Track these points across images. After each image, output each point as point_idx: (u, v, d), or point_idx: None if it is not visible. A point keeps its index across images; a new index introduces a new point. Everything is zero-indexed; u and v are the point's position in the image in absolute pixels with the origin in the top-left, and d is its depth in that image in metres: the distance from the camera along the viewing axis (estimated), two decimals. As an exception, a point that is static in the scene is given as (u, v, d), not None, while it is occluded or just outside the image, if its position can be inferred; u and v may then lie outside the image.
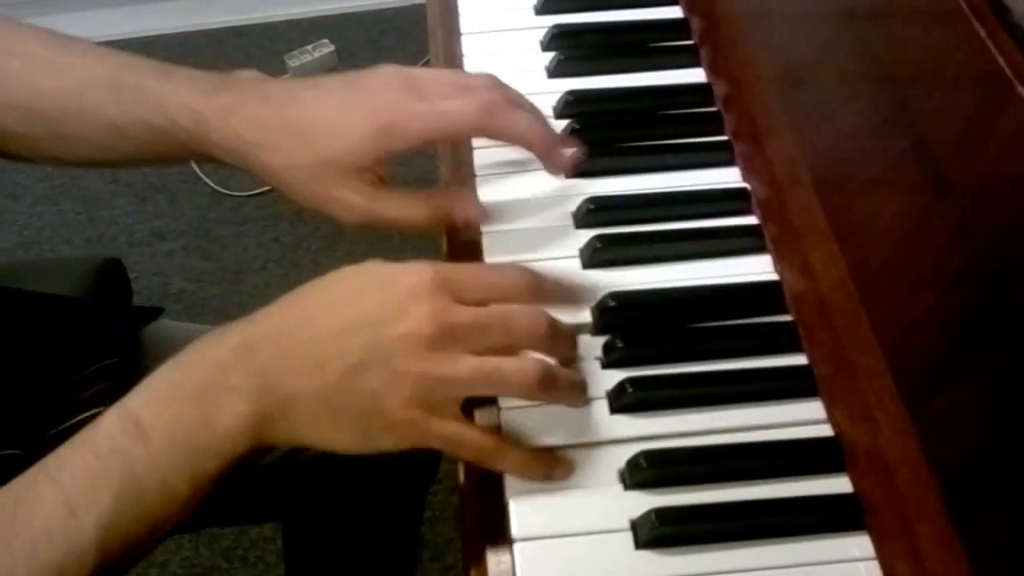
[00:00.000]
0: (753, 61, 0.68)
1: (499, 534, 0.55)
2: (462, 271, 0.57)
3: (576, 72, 0.76)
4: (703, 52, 0.77)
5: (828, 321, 0.59)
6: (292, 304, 0.56)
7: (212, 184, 1.95)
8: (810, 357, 0.60)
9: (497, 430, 0.58)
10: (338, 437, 0.53)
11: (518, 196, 0.69)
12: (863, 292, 0.54)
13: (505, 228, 0.67)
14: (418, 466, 0.97)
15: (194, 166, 1.97)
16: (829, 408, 0.58)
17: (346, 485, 0.94)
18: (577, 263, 0.66)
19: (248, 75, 0.68)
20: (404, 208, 0.64)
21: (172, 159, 0.70)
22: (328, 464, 0.91)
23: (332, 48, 2.12)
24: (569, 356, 0.59)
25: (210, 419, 0.52)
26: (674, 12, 0.81)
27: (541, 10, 0.81)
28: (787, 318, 0.62)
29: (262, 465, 0.89)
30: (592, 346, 0.61)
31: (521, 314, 0.54)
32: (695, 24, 0.79)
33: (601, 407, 0.59)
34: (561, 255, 0.66)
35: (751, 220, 0.67)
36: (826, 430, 0.58)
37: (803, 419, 0.59)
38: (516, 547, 0.54)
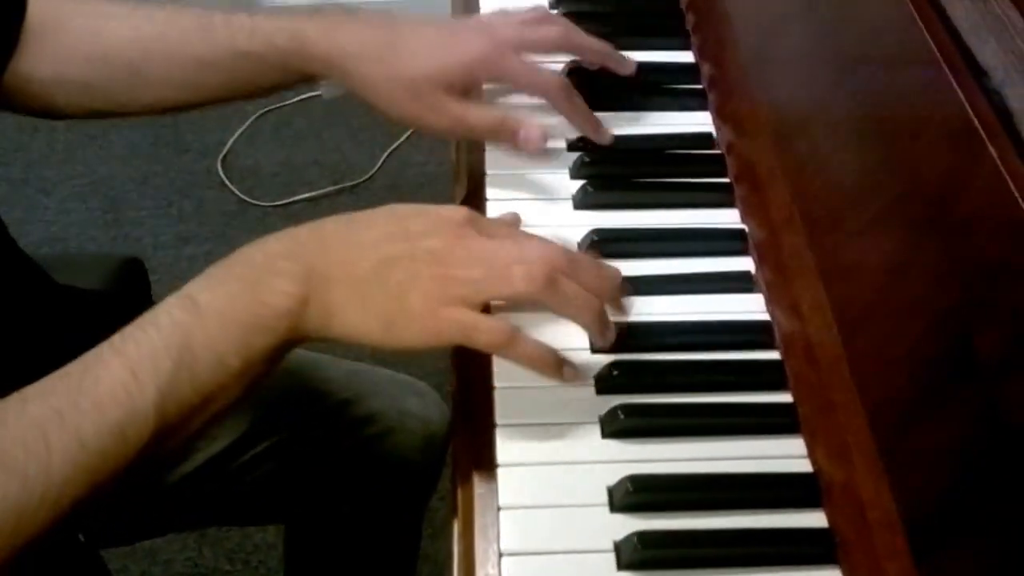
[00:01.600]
0: (755, 109, 0.71)
1: (489, 547, 0.58)
2: (494, 221, 0.64)
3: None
4: (711, 97, 0.80)
5: (813, 362, 0.62)
6: (340, 218, 0.62)
7: (238, 193, 1.99)
8: (795, 395, 0.63)
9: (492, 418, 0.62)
10: (365, 323, 0.58)
11: (525, 224, 0.71)
12: (844, 334, 0.57)
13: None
14: (419, 475, 1.00)
15: (221, 173, 2.01)
16: (810, 445, 0.61)
17: (348, 492, 0.97)
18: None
19: (340, 7, 0.77)
20: (484, 118, 0.75)
21: (259, 86, 0.79)
22: (331, 469, 0.94)
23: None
24: (586, 282, 0.61)
25: (259, 297, 0.57)
26: (686, 57, 0.84)
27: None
28: (775, 356, 0.65)
29: (267, 469, 0.93)
30: (587, 370, 0.64)
31: (534, 241, 0.61)
32: (705, 70, 0.82)
33: (593, 431, 0.62)
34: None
35: (747, 261, 0.70)
36: (806, 466, 0.60)
37: (785, 454, 0.61)
38: (504, 561, 0.57)
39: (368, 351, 0.62)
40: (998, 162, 0.42)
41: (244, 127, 2.12)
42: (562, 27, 0.78)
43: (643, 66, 0.83)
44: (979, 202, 0.44)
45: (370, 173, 2.03)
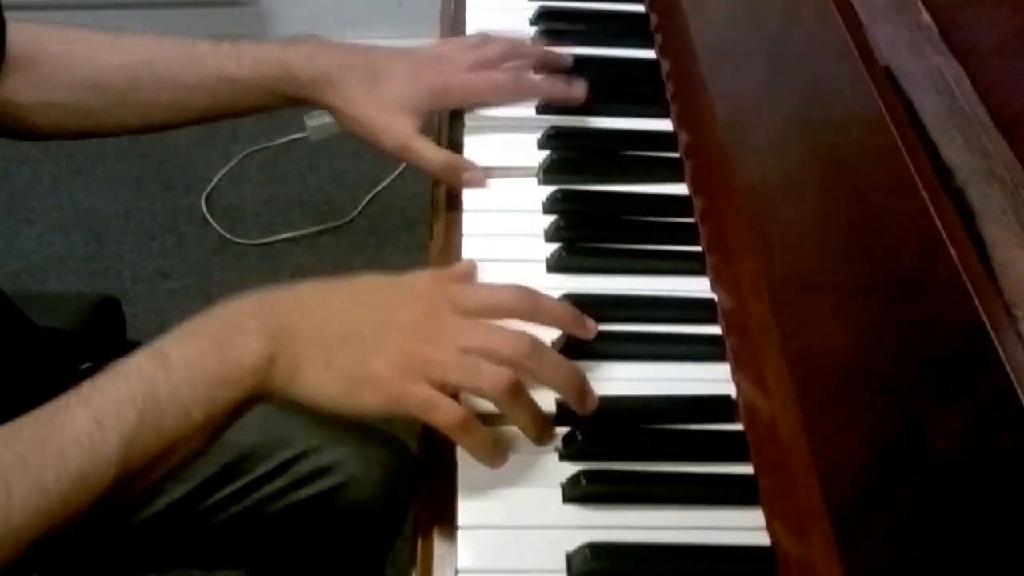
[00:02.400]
0: (729, 181, 0.73)
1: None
2: (462, 288, 0.65)
3: (567, 177, 0.80)
4: (687, 166, 0.81)
5: (775, 436, 0.62)
6: (318, 283, 0.64)
7: (220, 230, 2.00)
8: (755, 468, 0.64)
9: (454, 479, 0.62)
10: (327, 384, 0.59)
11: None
12: (805, 412, 0.58)
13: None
14: (381, 523, 0.99)
15: (204, 210, 2.02)
16: (769, 518, 0.61)
17: (310, 539, 0.97)
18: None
19: (315, 36, 0.86)
20: (431, 151, 0.82)
21: (242, 109, 0.85)
22: (293, 517, 0.94)
23: (352, 110, 2.19)
24: (551, 376, 0.62)
25: (227, 353, 0.59)
26: (665, 125, 0.85)
27: (542, 110, 0.86)
28: (738, 427, 0.66)
29: (229, 514, 0.92)
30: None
31: (506, 333, 0.61)
32: (682, 138, 0.83)
33: (555, 495, 0.62)
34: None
35: (715, 330, 0.71)
36: (764, 539, 0.61)
37: (744, 526, 0.62)
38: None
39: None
40: (957, 263, 0.43)
41: (230, 165, 2.13)
42: (506, 43, 0.87)
43: (622, 133, 0.85)
44: (938, 300, 0.45)
45: (351, 215, 2.04)
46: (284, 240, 1.99)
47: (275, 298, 0.62)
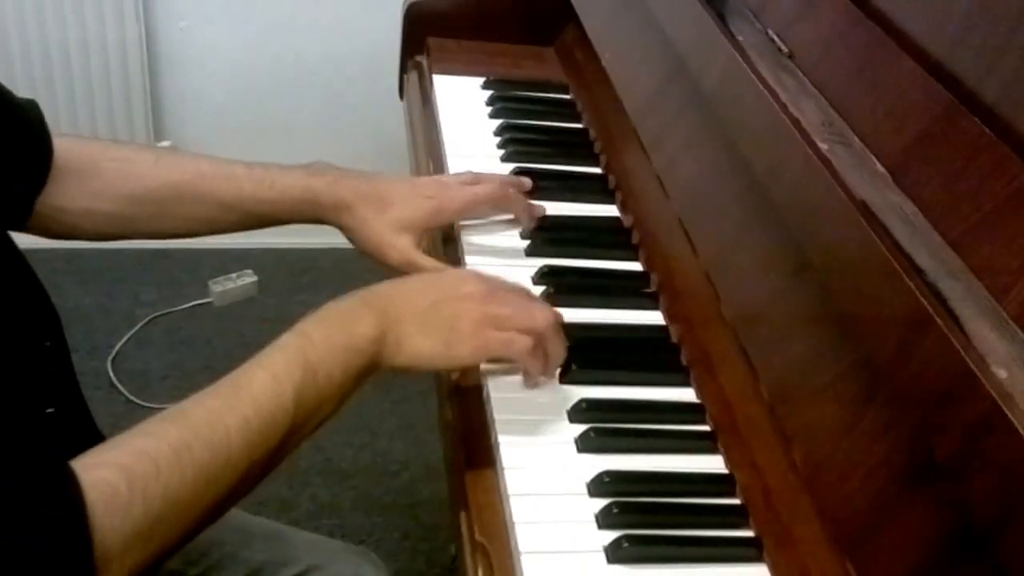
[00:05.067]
0: (707, 306, 0.88)
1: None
2: (493, 278, 0.85)
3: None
4: (661, 299, 0.97)
5: (771, 504, 0.76)
6: (387, 282, 0.82)
7: (127, 394, 2.02)
8: (756, 531, 0.76)
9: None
10: (428, 347, 0.78)
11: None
12: (809, 478, 0.71)
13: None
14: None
15: (111, 375, 2.04)
16: (773, 572, 0.74)
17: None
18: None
19: (331, 165, 1.00)
20: (428, 261, 0.96)
21: (267, 223, 0.99)
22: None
23: (255, 279, 2.28)
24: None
25: (353, 329, 0.76)
26: (635, 266, 1.01)
27: (531, 252, 1.01)
28: (737, 501, 0.79)
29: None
30: (586, 510, 0.76)
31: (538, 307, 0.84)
32: (654, 277, 0.99)
33: (599, 558, 0.73)
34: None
35: (706, 428, 0.85)
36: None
37: (754, 581, 0.74)
38: None
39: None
40: (945, 332, 0.59)
41: (133, 331, 2.17)
42: (496, 178, 1.04)
43: (598, 271, 1.00)
44: (929, 362, 0.61)
45: (262, 381, 2.09)
46: (193, 403, 2.02)
47: (370, 292, 0.79)
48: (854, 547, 0.65)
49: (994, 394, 0.54)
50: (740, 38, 0.92)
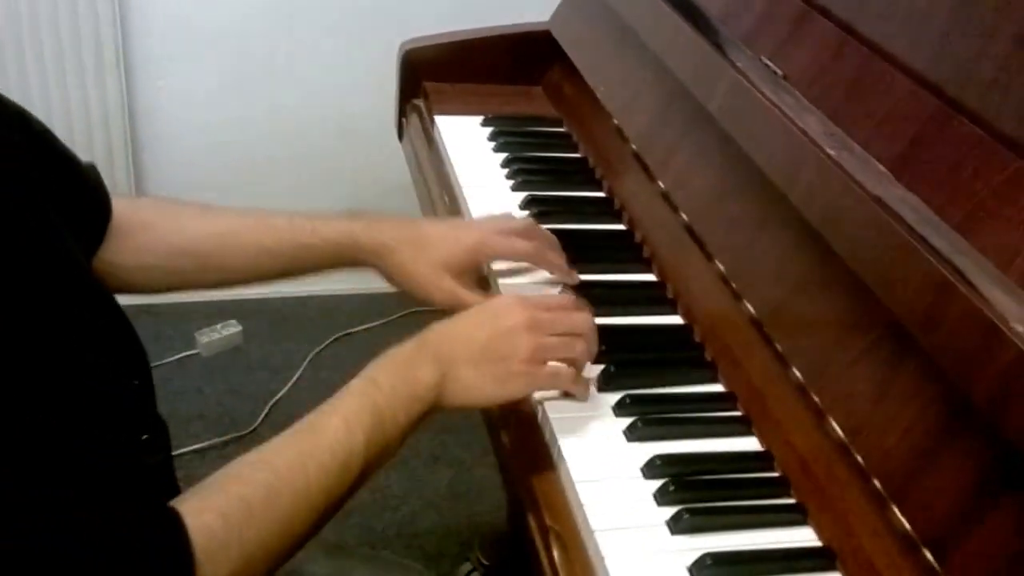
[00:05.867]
0: (724, 306, 0.97)
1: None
2: (539, 299, 0.91)
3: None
4: (679, 304, 1.06)
5: (809, 474, 0.84)
6: (448, 321, 0.87)
7: (124, 444, 2.05)
8: (798, 498, 0.85)
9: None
10: (483, 386, 0.84)
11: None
12: (849, 442, 0.80)
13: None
14: None
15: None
16: (818, 531, 0.82)
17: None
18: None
19: (368, 210, 1.04)
20: (472, 296, 1.00)
21: (310, 270, 1.03)
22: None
23: (239, 328, 2.33)
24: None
25: (415, 376, 0.82)
26: (650, 277, 1.11)
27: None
28: (776, 474, 0.87)
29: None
30: (643, 490, 0.84)
31: (577, 317, 0.90)
32: (670, 285, 1.08)
33: (663, 531, 0.81)
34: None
35: (738, 413, 0.93)
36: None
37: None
38: None
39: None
40: (967, 296, 0.69)
41: (123, 385, 2.20)
42: (528, 221, 1.08)
43: (620, 283, 1.09)
44: (958, 323, 0.70)
45: (254, 425, 2.14)
46: (190, 452, 2.06)
47: (428, 337, 0.85)
48: (900, 495, 0.74)
49: (1020, 343, 0.64)
50: (739, 64, 1.03)
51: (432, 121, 1.41)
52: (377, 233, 1.02)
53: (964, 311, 0.69)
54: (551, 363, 0.87)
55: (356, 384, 0.81)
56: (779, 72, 1.01)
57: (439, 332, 0.86)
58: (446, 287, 1.01)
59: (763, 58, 1.04)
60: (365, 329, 2.40)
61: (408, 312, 2.30)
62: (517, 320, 0.86)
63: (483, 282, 1.08)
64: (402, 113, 1.50)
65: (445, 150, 1.33)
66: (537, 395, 0.92)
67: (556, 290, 1.06)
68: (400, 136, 1.51)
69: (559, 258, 1.06)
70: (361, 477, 0.78)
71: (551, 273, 1.07)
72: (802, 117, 0.93)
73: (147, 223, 1.00)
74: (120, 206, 0.98)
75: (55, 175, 0.87)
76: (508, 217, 1.10)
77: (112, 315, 0.89)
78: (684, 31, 1.09)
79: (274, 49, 2.31)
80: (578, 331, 0.89)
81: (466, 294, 1.01)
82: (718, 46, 1.06)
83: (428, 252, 1.01)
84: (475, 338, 0.85)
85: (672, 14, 1.14)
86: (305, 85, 2.35)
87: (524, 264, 1.07)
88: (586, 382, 0.91)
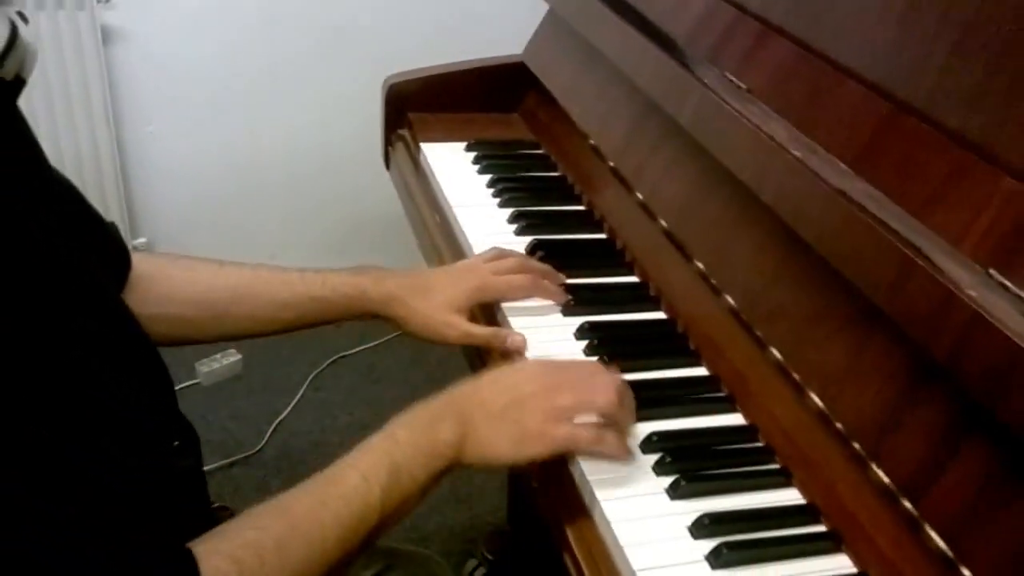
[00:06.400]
0: (703, 300, 1.07)
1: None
2: (552, 363, 0.95)
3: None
4: (662, 301, 1.15)
5: (792, 441, 0.93)
6: (470, 383, 0.91)
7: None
8: (782, 463, 0.93)
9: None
10: (500, 446, 0.87)
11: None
12: (828, 408, 0.89)
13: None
14: None
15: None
16: (803, 490, 0.91)
17: None
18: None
19: (375, 265, 1.12)
20: (482, 330, 1.08)
21: (321, 321, 1.11)
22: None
23: (239, 357, 2.38)
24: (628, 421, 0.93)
25: (435, 435, 0.86)
26: (633, 279, 1.20)
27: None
28: (760, 444, 0.96)
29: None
30: (646, 461, 0.92)
31: (595, 381, 0.91)
32: (652, 285, 1.17)
33: (653, 481, 0.89)
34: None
35: (722, 394, 1.02)
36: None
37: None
38: None
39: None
40: (927, 268, 0.78)
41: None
42: (519, 256, 1.15)
43: (606, 285, 1.18)
44: (917, 288, 0.79)
45: (259, 446, 2.20)
46: (193, 477, 2.11)
47: (450, 397, 0.90)
48: (877, 449, 0.83)
49: (973, 305, 0.74)
50: (706, 80, 1.13)
51: (418, 148, 1.50)
52: (384, 284, 1.10)
53: (923, 282, 0.78)
54: (578, 425, 0.88)
55: (376, 440, 0.84)
56: (743, 86, 1.11)
57: (463, 391, 0.90)
58: (457, 326, 1.09)
59: (727, 74, 1.14)
60: (361, 350, 2.48)
61: (401, 333, 2.37)
62: (535, 387, 0.89)
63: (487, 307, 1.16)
64: (388, 143, 1.59)
65: (433, 174, 1.42)
66: None
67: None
68: (387, 165, 1.59)
69: (553, 285, 1.14)
70: (376, 531, 0.81)
71: (549, 300, 1.13)
72: (768, 124, 1.03)
73: (164, 276, 1.06)
74: (138, 259, 1.04)
75: (90, 232, 0.95)
76: (500, 252, 1.16)
77: (135, 334, 0.93)
78: (653, 53, 1.19)
79: (257, 85, 2.40)
80: (599, 393, 0.90)
81: (478, 329, 1.09)
82: (685, 65, 1.16)
83: (434, 297, 1.09)
84: (496, 401, 0.88)
85: (640, 37, 1.24)
86: (290, 119, 2.45)
87: None
88: (616, 442, 0.90)
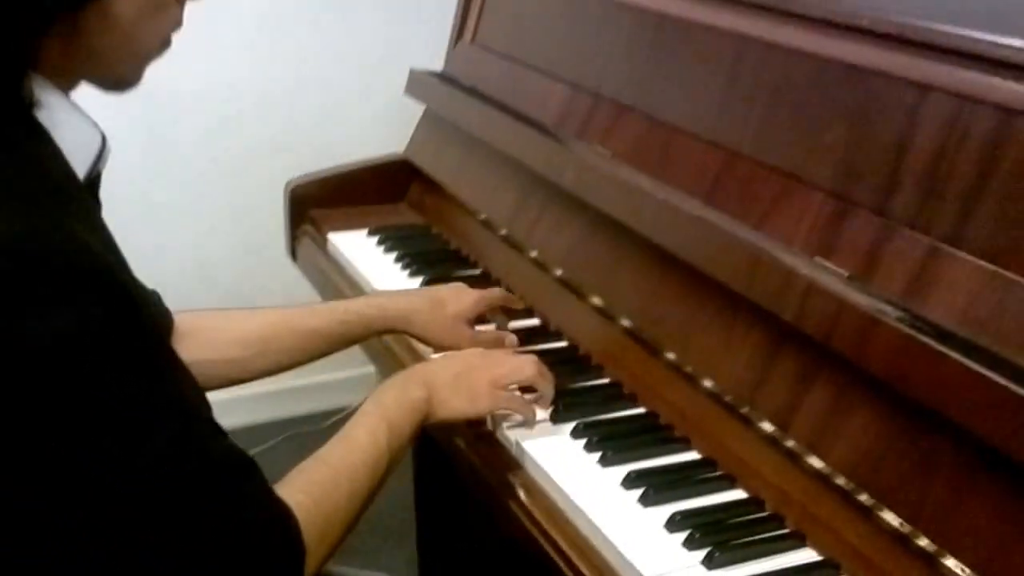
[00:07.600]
0: (605, 332, 1.31)
1: None
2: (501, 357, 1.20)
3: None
4: (566, 338, 1.39)
5: (703, 430, 1.18)
6: (424, 363, 1.19)
7: None
8: (701, 453, 1.17)
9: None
10: (458, 403, 1.11)
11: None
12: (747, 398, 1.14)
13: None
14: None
15: None
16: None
17: None
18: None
19: (386, 291, 1.36)
20: (486, 336, 1.32)
21: (347, 343, 1.29)
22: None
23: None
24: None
25: (410, 395, 1.08)
26: (535, 322, 1.43)
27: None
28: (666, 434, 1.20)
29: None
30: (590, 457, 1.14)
31: (525, 357, 1.19)
32: (553, 328, 1.41)
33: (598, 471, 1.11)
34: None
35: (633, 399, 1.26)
36: None
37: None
38: None
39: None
40: (767, 261, 1.06)
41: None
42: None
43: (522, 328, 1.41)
44: (764, 274, 1.06)
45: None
46: None
47: (411, 371, 1.14)
48: (752, 400, 1.09)
49: (806, 280, 1.01)
50: (577, 151, 1.40)
51: (325, 239, 1.71)
52: (396, 303, 1.31)
53: (769, 269, 1.06)
54: (513, 392, 1.16)
55: (369, 405, 1.05)
56: (609, 152, 1.39)
57: (422, 366, 1.17)
58: (467, 334, 1.31)
59: (593, 143, 1.41)
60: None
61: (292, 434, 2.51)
62: (479, 362, 1.16)
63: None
64: (293, 238, 1.79)
65: (344, 257, 1.63)
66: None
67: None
68: (294, 257, 1.80)
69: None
70: (387, 472, 1.01)
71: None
72: (635, 178, 1.30)
73: (205, 326, 1.22)
74: (178, 319, 1.18)
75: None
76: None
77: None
78: (534, 136, 1.46)
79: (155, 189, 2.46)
80: (526, 367, 1.17)
81: (483, 335, 1.34)
82: (561, 142, 1.43)
83: (445, 308, 1.31)
84: (449, 371, 1.13)
85: (517, 124, 1.51)
86: (202, 220, 2.54)
87: None
88: (533, 409, 1.18)
